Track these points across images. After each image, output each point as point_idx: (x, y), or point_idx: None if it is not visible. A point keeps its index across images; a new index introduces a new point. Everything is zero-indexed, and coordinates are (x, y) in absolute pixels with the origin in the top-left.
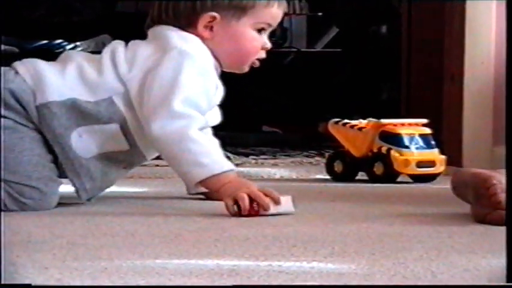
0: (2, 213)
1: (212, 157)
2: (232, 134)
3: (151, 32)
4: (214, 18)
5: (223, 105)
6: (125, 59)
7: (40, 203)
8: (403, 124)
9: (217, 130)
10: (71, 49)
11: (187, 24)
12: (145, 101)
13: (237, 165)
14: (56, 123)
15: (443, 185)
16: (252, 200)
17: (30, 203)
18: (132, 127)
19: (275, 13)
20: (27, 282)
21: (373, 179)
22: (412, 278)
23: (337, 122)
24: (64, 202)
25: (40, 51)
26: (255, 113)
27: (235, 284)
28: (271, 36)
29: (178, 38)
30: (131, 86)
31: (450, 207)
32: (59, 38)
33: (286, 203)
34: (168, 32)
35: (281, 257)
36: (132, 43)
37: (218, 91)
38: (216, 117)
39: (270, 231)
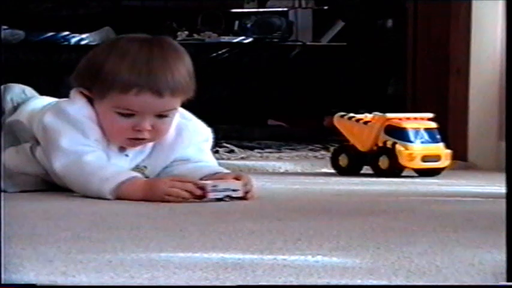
0: (7, 204)
1: (112, 169)
2: (238, 127)
3: None
4: (82, 93)
5: (229, 99)
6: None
7: None
8: (408, 118)
9: (223, 123)
10: (76, 41)
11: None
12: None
13: (242, 158)
14: None
15: (448, 179)
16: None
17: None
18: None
19: (136, 101)
20: (32, 274)
21: (378, 173)
22: (416, 272)
23: (342, 116)
24: (67, 196)
25: (46, 43)
26: (260, 106)
27: (240, 277)
28: (277, 30)
29: (69, 98)
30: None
31: (455, 202)
32: (65, 31)
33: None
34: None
35: (286, 251)
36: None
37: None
38: None
39: (275, 225)
